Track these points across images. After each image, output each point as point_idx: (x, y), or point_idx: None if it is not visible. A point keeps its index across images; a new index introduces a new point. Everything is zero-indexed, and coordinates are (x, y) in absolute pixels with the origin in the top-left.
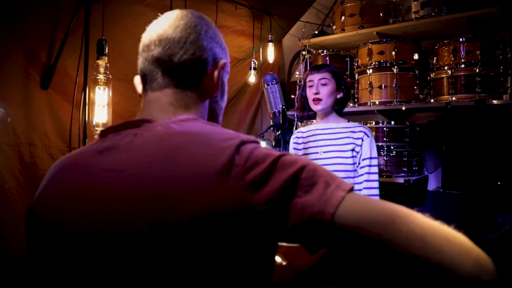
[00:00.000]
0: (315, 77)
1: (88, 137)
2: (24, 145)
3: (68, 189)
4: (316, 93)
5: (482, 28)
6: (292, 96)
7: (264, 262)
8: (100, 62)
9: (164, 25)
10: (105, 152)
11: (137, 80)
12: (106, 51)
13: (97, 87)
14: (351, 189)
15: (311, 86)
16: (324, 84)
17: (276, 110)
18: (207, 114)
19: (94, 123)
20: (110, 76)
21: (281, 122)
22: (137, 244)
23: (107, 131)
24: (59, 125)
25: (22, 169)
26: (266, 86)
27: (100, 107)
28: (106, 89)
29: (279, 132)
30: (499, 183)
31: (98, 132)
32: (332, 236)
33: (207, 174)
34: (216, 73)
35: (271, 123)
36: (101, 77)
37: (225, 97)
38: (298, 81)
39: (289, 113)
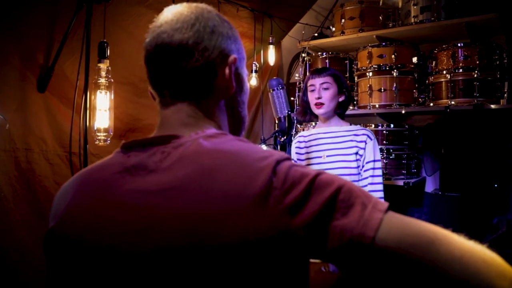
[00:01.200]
0: (317, 81)
1: (89, 142)
2: (20, 151)
3: (97, 209)
4: (318, 98)
5: (480, 33)
6: (292, 98)
7: (300, 282)
8: (101, 65)
9: (161, 32)
10: (133, 171)
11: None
12: (108, 54)
13: (98, 91)
14: (387, 208)
15: (312, 91)
16: (326, 88)
17: (282, 116)
18: (228, 115)
19: (95, 128)
20: (112, 80)
21: (286, 127)
22: (173, 271)
23: (131, 145)
24: (57, 129)
25: (18, 175)
26: (271, 91)
27: (102, 111)
28: (108, 93)
29: (285, 137)
30: (495, 185)
31: (101, 137)
32: (371, 259)
33: (245, 198)
34: (227, 70)
35: (276, 128)
36: (102, 80)
37: (246, 89)
38: (297, 83)
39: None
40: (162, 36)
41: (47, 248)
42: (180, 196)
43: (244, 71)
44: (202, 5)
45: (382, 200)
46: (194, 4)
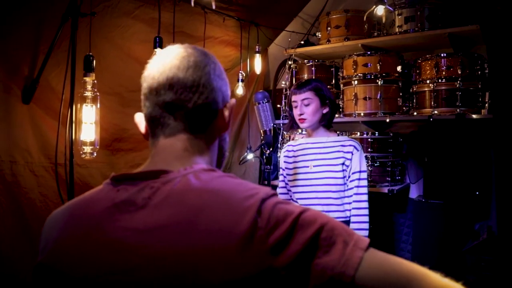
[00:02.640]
0: (298, 98)
1: (75, 153)
2: (5, 163)
3: (87, 246)
4: (300, 114)
5: (462, 43)
6: (278, 106)
7: None
8: (87, 79)
9: (172, 67)
10: (122, 207)
11: (138, 118)
12: (94, 66)
13: (84, 104)
14: (368, 246)
15: (295, 107)
16: (307, 105)
17: (267, 129)
18: (218, 151)
19: (81, 141)
20: (97, 93)
21: (272, 140)
22: None
23: (121, 178)
24: (42, 141)
25: (3, 188)
26: (257, 105)
27: (88, 124)
28: (94, 106)
29: (271, 150)
30: (477, 193)
31: (86, 151)
32: None
33: (231, 239)
34: (226, 113)
35: (262, 141)
36: (88, 94)
37: (229, 127)
38: (284, 90)
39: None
40: (174, 70)
41: (36, 282)
42: (168, 236)
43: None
44: (209, 52)
45: (366, 230)
46: (201, 48)
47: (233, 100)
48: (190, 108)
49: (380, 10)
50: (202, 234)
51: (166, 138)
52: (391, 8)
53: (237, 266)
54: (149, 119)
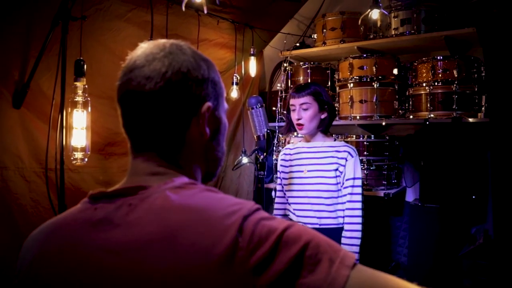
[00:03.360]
0: (296, 102)
1: (67, 158)
2: None
3: (62, 268)
4: (298, 119)
5: (459, 46)
6: (274, 108)
7: None
8: (78, 84)
9: (135, 78)
10: (99, 226)
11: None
12: (84, 71)
13: (75, 110)
14: (355, 263)
15: (293, 110)
16: (305, 109)
17: (261, 134)
18: (202, 160)
19: (72, 146)
20: (88, 98)
21: (266, 145)
22: None
23: (98, 196)
24: (34, 146)
25: None
26: (251, 110)
27: (78, 130)
28: (85, 111)
29: (265, 155)
30: (474, 197)
31: (77, 157)
32: None
33: (210, 260)
34: (200, 120)
35: (255, 146)
36: (79, 99)
37: (223, 129)
38: (279, 92)
39: (270, 124)
40: (132, 83)
41: None
42: (144, 258)
43: (223, 109)
44: (177, 45)
45: (358, 239)
46: (169, 43)
47: (205, 105)
48: (152, 123)
49: (375, 14)
50: (180, 255)
51: (139, 153)
52: (386, 12)
53: (219, 287)
54: (125, 133)
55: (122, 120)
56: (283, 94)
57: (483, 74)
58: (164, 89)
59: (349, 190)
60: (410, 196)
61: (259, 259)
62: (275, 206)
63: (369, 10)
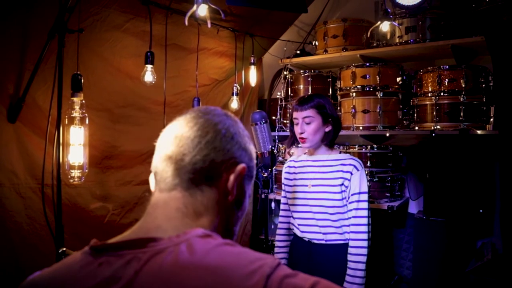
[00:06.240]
0: (299, 115)
1: (64, 173)
2: None
3: None
4: (301, 133)
5: (465, 54)
6: (274, 118)
7: None
8: (75, 99)
9: (182, 123)
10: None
11: (152, 177)
12: (82, 85)
13: (72, 126)
14: None
15: (297, 124)
16: (308, 123)
17: (265, 151)
18: (220, 222)
19: (69, 164)
20: (86, 114)
21: (270, 162)
22: None
23: (102, 248)
24: (29, 161)
25: None
26: (254, 126)
27: (76, 146)
28: (82, 128)
29: (269, 171)
30: (481, 210)
31: (75, 175)
32: None
33: None
34: (232, 177)
35: (259, 163)
36: (76, 115)
37: (244, 208)
38: (279, 100)
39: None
40: (180, 125)
41: None
42: None
43: (248, 189)
44: (231, 115)
45: (364, 256)
46: (224, 111)
47: (241, 165)
48: (187, 162)
49: (385, 27)
50: None
51: (161, 193)
52: (396, 24)
53: None
54: (154, 172)
55: (153, 162)
56: (283, 103)
57: (491, 84)
58: (202, 135)
59: (354, 205)
60: (413, 207)
61: None
62: (280, 219)
63: (379, 22)
